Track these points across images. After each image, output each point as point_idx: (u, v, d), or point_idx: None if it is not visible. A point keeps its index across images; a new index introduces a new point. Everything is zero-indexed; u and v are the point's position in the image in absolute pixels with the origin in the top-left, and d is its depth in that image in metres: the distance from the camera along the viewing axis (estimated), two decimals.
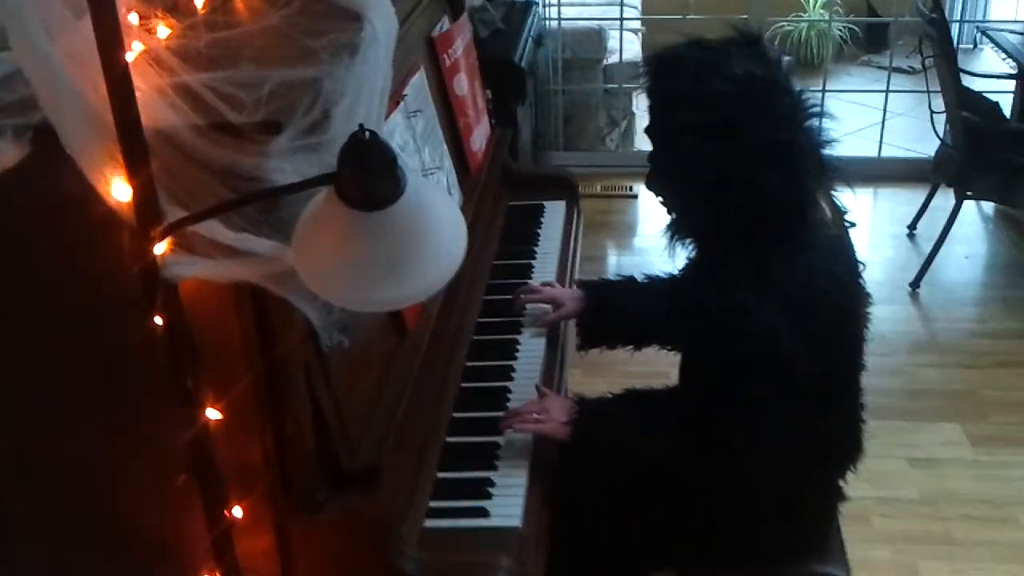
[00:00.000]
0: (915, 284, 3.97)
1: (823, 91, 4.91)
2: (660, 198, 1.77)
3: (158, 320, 1.18)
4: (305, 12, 1.56)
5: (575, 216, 2.65)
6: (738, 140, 1.59)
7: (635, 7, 5.77)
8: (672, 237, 1.77)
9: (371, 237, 1.13)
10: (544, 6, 4.92)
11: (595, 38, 4.89)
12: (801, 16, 6.24)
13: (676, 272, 2.00)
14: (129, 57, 1.34)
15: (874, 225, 4.58)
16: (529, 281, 2.29)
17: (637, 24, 5.49)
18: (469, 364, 1.99)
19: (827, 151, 1.68)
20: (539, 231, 2.52)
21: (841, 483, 1.95)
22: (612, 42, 5.01)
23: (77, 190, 1.14)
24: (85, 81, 1.09)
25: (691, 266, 1.87)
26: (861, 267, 1.80)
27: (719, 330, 1.67)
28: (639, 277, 2.14)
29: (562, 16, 4.86)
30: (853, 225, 1.85)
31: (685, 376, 1.91)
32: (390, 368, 1.68)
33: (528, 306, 2.17)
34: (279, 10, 1.58)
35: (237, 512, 1.33)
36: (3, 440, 1.43)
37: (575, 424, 1.76)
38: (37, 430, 1.41)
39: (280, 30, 1.49)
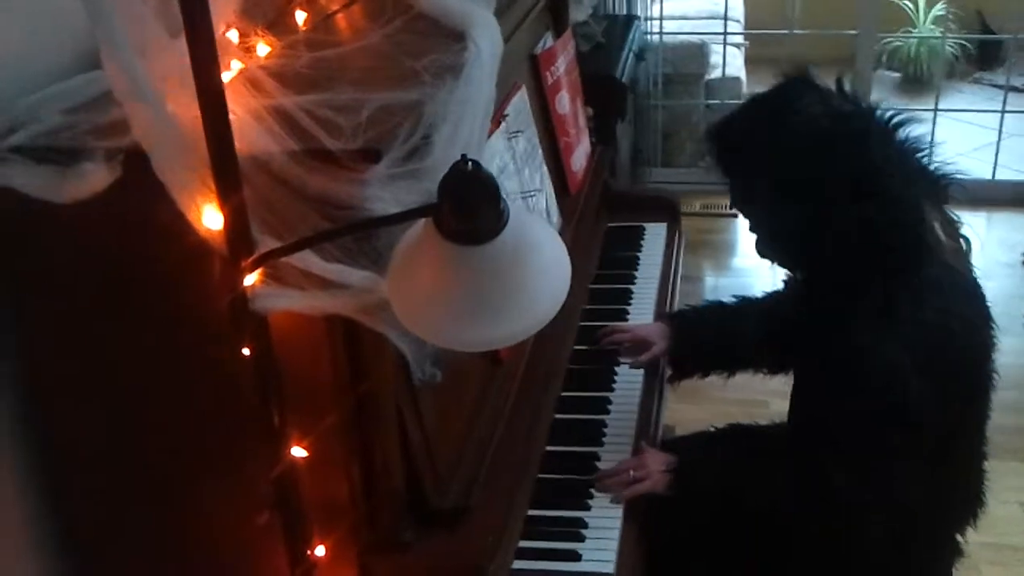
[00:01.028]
0: None
1: (935, 110, 4.72)
2: (778, 264, 1.69)
3: (246, 352, 1.13)
4: (408, 30, 1.51)
5: (676, 239, 2.56)
6: (813, 184, 1.50)
7: (738, 21, 5.64)
8: (806, 303, 1.69)
9: (470, 272, 1.06)
10: (646, 20, 4.83)
11: (697, 53, 4.79)
12: (911, 32, 6.03)
13: (772, 292, 1.91)
14: (226, 77, 1.31)
15: (987, 252, 4.37)
16: (628, 308, 2.21)
17: (740, 39, 5.36)
18: (565, 394, 1.92)
19: (925, 161, 1.57)
20: (639, 255, 2.44)
21: (958, 538, 1.82)
22: (715, 57, 4.90)
23: (168, 217, 1.10)
24: (178, 103, 1.05)
25: (796, 287, 1.76)
26: (985, 300, 1.68)
27: (840, 372, 1.56)
28: (728, 300, 2.04)
29: (664, 31, 4.76)
30: (968, 242, 1.72)
31: (794, 412, 1.80)
32: (483, 400, 1.61)
33: None
34: (381, 28, 1.53)
35: (320, 551, 1.27)
36: (89, 468, 1.40)
37: (675, 474, 1.67)
38: (123, 459, 1.38)
39: (381, 50, 1.43)
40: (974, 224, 4.57)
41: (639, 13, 4.76)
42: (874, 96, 4.59)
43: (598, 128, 3.25)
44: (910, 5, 6.07)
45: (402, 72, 1.31)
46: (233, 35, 1.52)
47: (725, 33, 4.79)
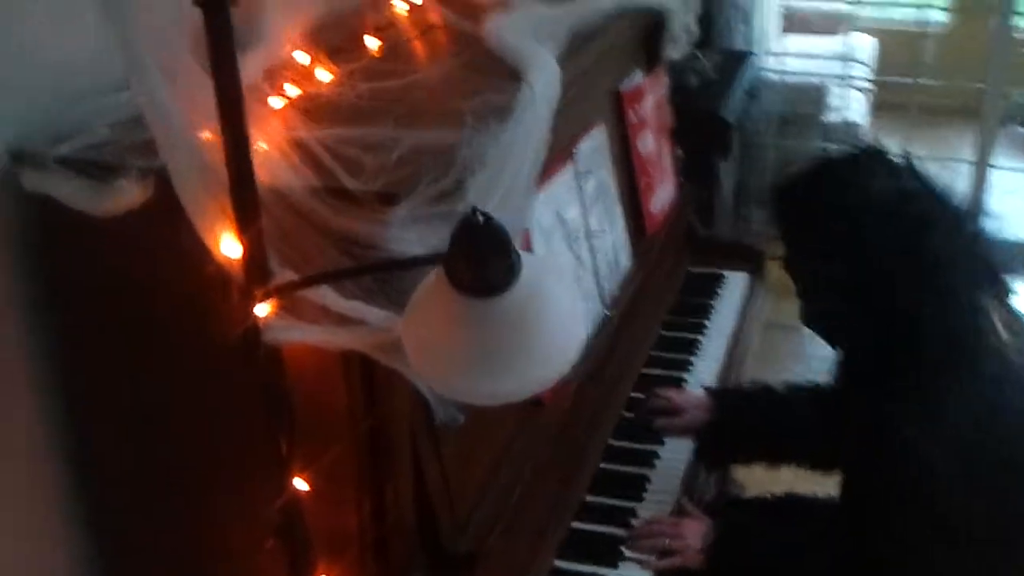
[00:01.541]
0: None
1: None
2: (821, 337, 1.61)
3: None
4: (469, 67, 1.51)
5: (756, 291, 2.49)
6: (877, 259, 1.43)
7: (867, 65, 5.48)
8: (843, 380, 1.62)
9: (478, 325, 1.04)
10: (764, 55, 4.73)
11: (815, 94, 4.66)
12: None
13: (821, 382, 1.81)
14: (276, 103, 1.32)
15: None
16: (692, 359, 2.15)
17: (866, 83, 5.20)
18: (613, 443, 1.87)
19: (991, 255, 1.48)
20: (714, 303, 2.38)
21: None
22: (836, 99, 4.76)
23: (191, 240, 1.11)
24: (203, 130, 1.06)
25: (843, 377, 1.67)
26: None
27: (880, 470, 1.48)
28: (776, 386, 1.91)
29: (785, 68, 4.65)
30: None
31: (841, 499, 1.71)
32: (516, 442, 1.59)
33: None
34: (444, 62, 1.52)
35: None
36: (104, 487, 1.43)
37: (712, 552, 1.61)
38: (144, 461, 1.40)
39: (436, 86, 1.43)
40: None
41: (759, 49, 4.66)
42: (998, 156, 4.43)
43: (698, 166, 3.19)
44: None
45: (448, 111, 1.30)
46: (302, 56, 1.54)
47: (846, 76, 4.65)
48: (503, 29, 1.55)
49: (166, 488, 1.38)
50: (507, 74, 1.44)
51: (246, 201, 1.05)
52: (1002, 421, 1.44)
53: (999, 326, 1.49)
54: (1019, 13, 4.74)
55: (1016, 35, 4.49)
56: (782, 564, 1.60)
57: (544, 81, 1.41)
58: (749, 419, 1.87)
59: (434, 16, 1.80)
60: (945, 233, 1.46)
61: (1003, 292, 1.53)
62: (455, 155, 1.18)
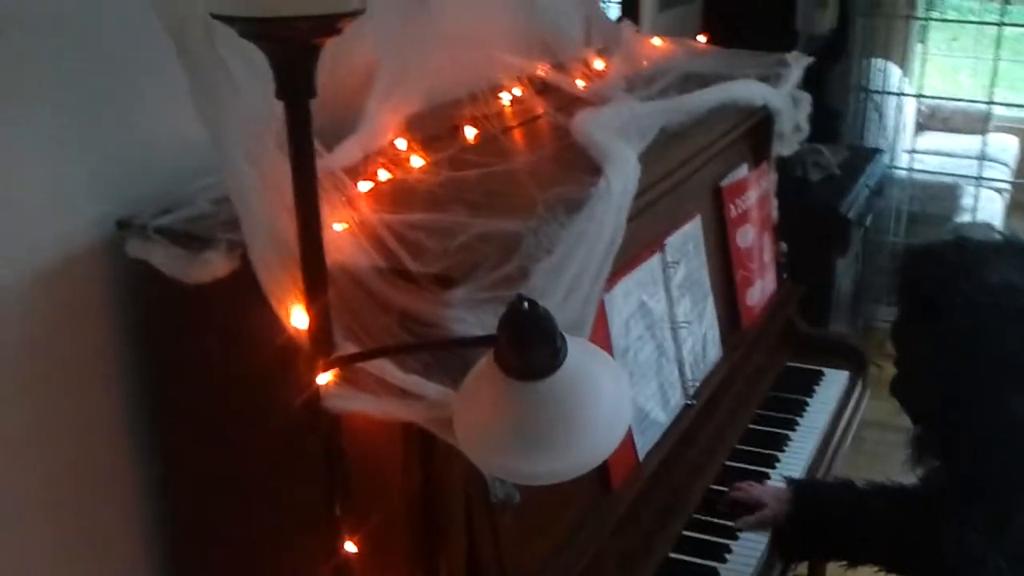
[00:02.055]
0: None
1: None
2: (904, 409, 1.59)
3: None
4: (552, 159, 1.57)
5: (856, 389, 2.46)
6: (985, 356, 1.40)
7: (1007, 165, 5.35)
8: (916, 452, 1.58)
9: (524, 407, 1.09)
10: (898, 152, 4.67)
11: (948, 194, 4.58)
12: None
13: (905, 484, 1.77)
14: (364, 186, 1.42)
15: None
16: (779, 455, 2.14)
17: (1003, 184, 5.08)
18: (686, 533, 1.87)
19: None
20: (809, 400, 2.36)
21: None
22: (970, 200, 4.67)
23: (268, 312, 1.19)
24: (281, 209, 1.15)
25: (929, 481, 1.64)
26: None
27: (943, 570, 1.45)
28: (860, 483, 1.86)
29: (916, 166, 4.59)
30: None
31: None
32: (579, 526, 1.61)
33: None
34: (530, 154, 1.60)
35: None
36: (177, 538, 1.53)
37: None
38: (205, 534, 1.49)
39: (515, 177, 1.50)
40: None
41: (891, 146, 4.62)
42: None
43: (811, 262, 3.16)
44: None
45: (520, 201, 1.37)
46: (401, 143, 1.64)
47: (980, 177, 4.55)
48: (590, 123, 1.62)
49: (230, 544, 1.46)
50: (587, 168, 1.50)
51: (315, 276, 1.13)
52: None
53: None
54: None
55: None
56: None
57: (622, 175, 1.46)
58: (828, 514, 1.83)
59: (534, 108, 1.88)
60: None
61: None
62: (519, 242, 1.24)
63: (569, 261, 1.34)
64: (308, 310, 1.14)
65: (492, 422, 1.11)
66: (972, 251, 1.59)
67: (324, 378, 1.17)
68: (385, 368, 1.20)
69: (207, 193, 1.38)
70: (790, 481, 1.94)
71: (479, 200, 1.39)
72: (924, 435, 1.57)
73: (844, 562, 1.83)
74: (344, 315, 1.19)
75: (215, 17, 1.01)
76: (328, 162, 1.35)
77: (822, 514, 1.84)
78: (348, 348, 1.18)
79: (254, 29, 1.00)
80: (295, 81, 1.05)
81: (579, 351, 1.10)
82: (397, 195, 1.38)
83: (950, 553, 1.43)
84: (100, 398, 1.47)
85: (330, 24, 1.01)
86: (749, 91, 2.10)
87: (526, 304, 1.05)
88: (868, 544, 1.77)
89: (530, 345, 1.06)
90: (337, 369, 1.17)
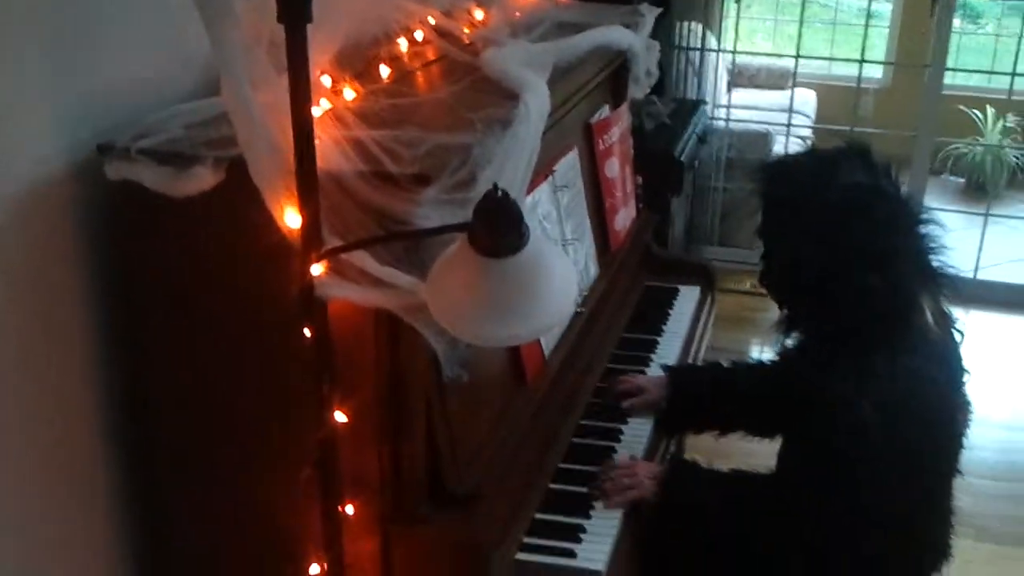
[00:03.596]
0: None
1: (986, 215, 4.89)
2: (771, 295, 1.90)
3: (307, 332, 1.39)
4: (472, 89, 1.79)
5: (707, 303, 2.79)
6: (842, 245, 1.72)
7: (807, 115, 5.88)
8: (783, 332, 1.90)
9: (494, 281, 1.30)
10: (714, 106, 5.10)
11: (761, 142, 5.03)
12: (977, 140, 6.20)
13: (766, 359, 2.10)
14: (316, 111, 1.59)
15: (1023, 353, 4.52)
16: (651, 356, 2.43)
17: (807, 131, 5.59)
18: (583, 422, 2.14)
19: (934, 258, 1.79)
20: (670, 312, 2.67)
21: None
22: (779, 147, 5.14)
23: (257, 216, 1.37)
24: (276, 126, 1.33)
25: (791, 354, 1.97)
26: (966, 375, 1.87)
27: (815, 417, 1.77)
28: (724, 362, 2.23)
29: (731, 118, 5.02)
30: (962, 334, 1.91)
31: (779, 462, 2.00)
32: (504, 412, 1.85)
33: None
34: (451, 85, 1.81)
35: (349, 510, 1.51)
36: (168, 424, 1.68)
37: (663, 483, 1.89)
38: (197, 417, 1.65)
39: (447, 102, 1.71)
40: (1017, 327, 4.72)
41: (709, 100, 5.03)
42: (929, 199, 4.79)
43: (653, 200, 3.49)
44: (978, 114, 6.26)
45: (459, 121, 1.59)
46: (326, 79, 1.81)
47: (789, 125, 5.03)
48: (500, 58, 1.84)
49: (218, 419, 1.63)
50: (505, 95, 1.72)
51: (307, 181, 1.31)
52: (919, 386, 1.74)
53: (929, 315, 1.80)
54: (950, 70, 5.16)
55: (946, 91, 4.91)
56: (724, 500, 1.88)
57: (537, 100, 1.70)
58: (701, 390, 2.18)
59: (439, 49, 2.09)
60: (904, 233, 1.78)
61: (938, 290, 1.83)
62: (470, 152, 1.46)
63: (503, 171, 1.56)
64: (301, 210, 1.33)
65: (466, 296, 1.33)
66: (821, 158, 1.92)
67: (317, 268, 1.35)
68: (365, 261, 1.40)
69: (178, 120, 1.54)
70: (666, 368, 2.25)
71: (424, 121, 1.60)
72: (791, 315, 1.89)
73: (716, 431, 2.16)
74: (329, 215, 1.38)
75: None
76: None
77: (696, 391, 2.17)
78: (335, 243, 1.38)
79: None
80: (295, 6, 1.23)
81: (535, 237, 1.33)
82: (353, 117, 1.56)
83: (820, 402, 1.75)
84: (80, 318, 1.60)
85: None
86: (619, 36, 2.38)
87: (500, 192, 1.28)
88: (737, 413, 2.10)
89: (502, 226, 1.28)
90: (327, 260, 1.36)
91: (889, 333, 1.77)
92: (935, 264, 1.84)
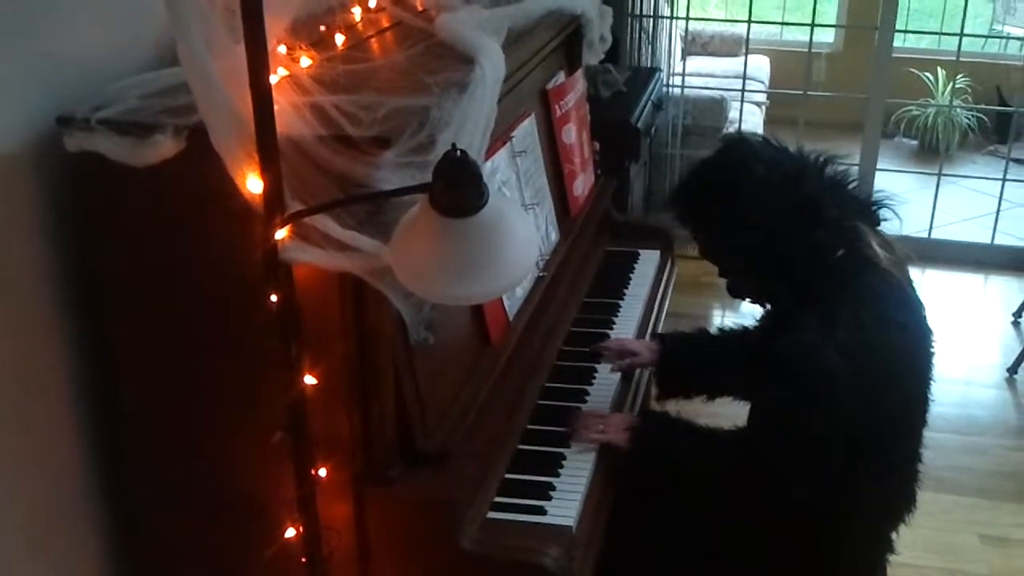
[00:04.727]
0: (1013, 370, 3.99)
1: (939, 175, 4.97)
2: (747, 297, 1.97)
3: (273, 297, 1.40)
4: (427, 53, 1.80)
5: (667, 266, 2.82)
6: (765, 218, 1.81)
7: (761, 81, 5.93)
8: (738, 293, 1.97)
9: (456, 240, 1.32)
10: (669, 74, 5.13)
11: (716, 108, 5.07)
12: (928, 102, 6.29)
13: (749, 325, 2.15)
14: (273, 79, 1.60)
15: (981, 310, 4.60)
16: (614, 319, 2.47)
17: (761, 97, 5.64)
18: (548, 384, 2.17)
19: (854, 189, 1.87)
20: (631, 276, 2.70)
21: (893, 535, 2.03)
22: (735, 113, 5.18)
23: (218, 182, 1.38)
24: (236, 93, 1.33)
25: (764, 317, 2.02)
26: (924, 310, 1.91)
27: (780, 367, 1.81)
28: (712, 330, 2.28)
29: (686, 84, 5.06)
30: (910, 259, 1.96)
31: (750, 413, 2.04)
32: (470, 374, 1.87)
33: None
34: (406, 50, 1.82)
35: (322, 473, 1.53)
36: (135, 393, 1.69)
37: (635, 431, 1.93)
38: (165, 386, 1.66)
39: (403, 66, 1.73)
40: (972, 285, 4.81)
41: (664, 68, 5.07)
42: (882, 161, 4.87)
43: (611, 167, 3.52)
44: (929, 76, 6.34)
45: (416, 84, 1.60)
46: (282, 48, 1.82)
47: (743, 91, 5.07)
48: (455, 23, 1.85)
49: (187, 386, 1.65)
50: (461, 58, 1.74)
51: (268, 146, 1.33)
52: (887, 332, 1.78)
53: (875, 245, 1.85)
54: (900, 31, 5.22)
55: (896, 54, 4.97)
56: (692, 446, 1.92)
57: (492, 63, 1.71)
58: (691, 357, 2.24)
59: (388, 18, 2.10)
60: (813, 179, 1.84)
61: (873, 218, 1.89)
62: (428, 115, 1.48)
63: (461, 134, 1.58)
64: (263, 175, 1.34)
65: (429, 256, 1.34)
66: (711, 166, 1.97)
67: (281, 233, 1.37)
68: (327, 224, 1.41)
69: (136, 90, 1.54)
70: (656, 335, 2.32)
71: (381, 86, 1.61)
72: (774, 304, 1.95)
73: (706, 396, 2.20)
74: (291, 180, 1.39)
75: None
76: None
77: (685, 356, 2.23)
78: (297, 208, 1.39)
79: None
80: None
81: (495, 196, 1.35)
82: (311, 82, 1.57)
83: (786, 353, 1.79)
84: (44, 291, 1.60)
85: None
86: (572, 1, 2.39)
87: (459, 152, 1.30)
88: (726, 377, 2.14)
89: (462, 186, 1.30)
90: (290, 225, 1.38)
91: (846, 277, 1.82)
92: (861, 196, 1.91)
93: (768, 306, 2.06)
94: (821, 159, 1.89)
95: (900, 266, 1.89)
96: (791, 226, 1.82)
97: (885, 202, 1.90)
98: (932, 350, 1.91)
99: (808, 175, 1.85)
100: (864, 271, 1.82)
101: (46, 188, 1.57)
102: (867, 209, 1.89)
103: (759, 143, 1.94)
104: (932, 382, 1.92)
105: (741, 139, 2.00)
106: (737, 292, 2.02)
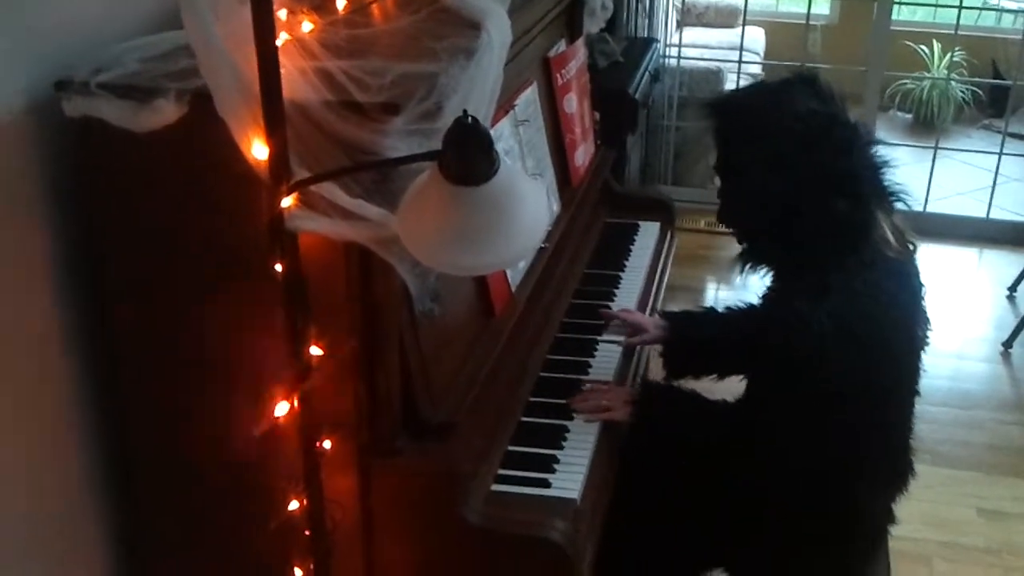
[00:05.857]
0: (1008, 344, 3.99)
1: (935, 148, 4.96)
2: (732, 230, 1.92)
3: (278, 266, 1.37)
4: (432, 19, 1.76)
5: (668, 238, 2.80)
6: (801, 171, 1.74)
7: (757, 52, 5.89)
8: (744, 266, 1.92)
9: (465, 209, 1.30)
10: (665, 45, 5.09)
11: (712, 79, 5.03)
12: (924, 75, 6.26)
13: (755, 302, 2.13)
14: (278, 42, 1.56)
15: (976, 284, 4.60)
16: (615, 291, 2.45)
17: (757, 68, 5.60)
18: (550, 357, 2.15)
19: (886, 177, 1.82)
20: (631, 247, 2.68)
21: (892, 506, 2.03)
22: (730, 84, 5.15)
23: (222, 148, 1.35)
24: (240, 56, 1.30)
25: (767, 293, 2.00)
26: (924, 290, 1.90)
27: (773, 335, 1.80)
28: (719, 308, 2.25)
29: (682, 56, 5.02)
30: (915, 247, 1.94)
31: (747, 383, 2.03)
32: (473, 346, 1.85)
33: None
34: (410, 15, 1.78)
35: (327, 444, 1.51)
36: (136, 361, 1.66)
37: (637, 404, 1.92)
38: (165, 355, 1.64)
39: (408, 32, 1.69)
40: (967, 259, 4.81)
41: (660, 39, 5.02)
42: (878, 135, 4.85)
43: (608, 138, 3.49)
44: (925, 50, 6.31)
45: (423, 50, 1.57)
46: (282, 13, 1.78)
47: (740, 62, 5.03)
48: None
49: (191, 369, 1.62)
50: (467, 24, 1.70)
51: (274, 111, 1.29)
52: (879, 301, 1.76)
53: (887, 231, 1.83)
54: (898, 2, 5.19)
55: (893, 27, 4.94)
56: (694, 415, 1.92)
57: (499, 29, 1.68)
58: (699, 336, 2.20)
59: None
60: (859, 156, 1.81)
61: (891, 207, 1.87)
62: (436, 81, 1.44)
63: (469, 101, 1.55)
64: (268, 142, 1.31)
65: (439, 226, 1.32)
66: (773, 89, 1.93)
67: (287, 201, 1.34)
68: (335, 193, 1.39)
69: (135, 53, 1.50)
70: (663, 314, 2.29)
71: (387, 51, 1.58)
72: (752, 248, 1.91)
73: (716, 375, 2.18)
74: (297, 146, 1.36)
75: None
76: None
77: (694, 335, 2.20)
78: (304, 175, 1.36)
79: None
80: None
81: (505, 165, 1.32)
82: (316, 47, 1.53)
83: (779, 321, 1.78)
84: (44, 259, 1.57)
85: None
86: None
87: (470, 119, 1.27)
88: (734, 356, 2.11)
89: (473, 153, 1.27)
90: (296, 193, 1.35)
91: (845, 252, 1.80)
92: (887, 183, 1.88)
93: (767, 278, 2.02)
94: (871, 137, 1.86)
95: (907, 253, 1.88)
96: (820, 186, 1.77)
97: (902, 196, 1.87)
98: (928, 328, 1.91)
99: (856, 149, 1.81)
100: (862, 249, 1.81)
101: (47, 154, 1.53)
102: (890, 195, 1.86)
103: (825, 91, 1.88)
104: (923, 352, 1.92)
105: (809, 78, 1.91)
106: (727, 221, 1.96)
